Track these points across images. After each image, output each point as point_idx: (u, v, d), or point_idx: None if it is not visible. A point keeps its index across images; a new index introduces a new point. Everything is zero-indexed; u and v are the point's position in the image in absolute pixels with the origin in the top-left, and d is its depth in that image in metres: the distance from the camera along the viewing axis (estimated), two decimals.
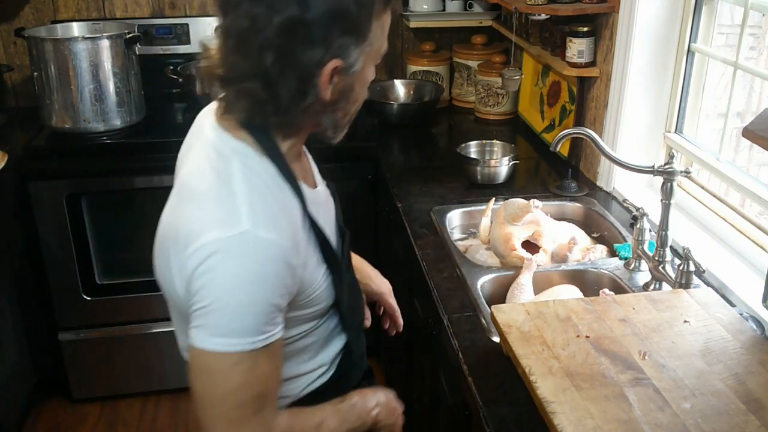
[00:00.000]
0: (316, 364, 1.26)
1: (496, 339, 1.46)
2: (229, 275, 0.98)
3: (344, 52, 1.02)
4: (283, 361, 1.13)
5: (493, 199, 2.05)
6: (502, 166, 2.24)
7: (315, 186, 1.22)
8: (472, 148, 2.37)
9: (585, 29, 2.18)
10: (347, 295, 1.25)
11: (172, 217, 1.11)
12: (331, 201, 1.27)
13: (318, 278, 1.14)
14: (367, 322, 1.46)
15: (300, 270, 1.06)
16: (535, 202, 1.86)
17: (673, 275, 1.58)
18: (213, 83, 1.10)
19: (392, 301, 1.58)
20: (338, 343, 1.30)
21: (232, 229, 0.99)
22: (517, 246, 1.83)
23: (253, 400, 1.04)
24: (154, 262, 1.18)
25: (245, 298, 0.99)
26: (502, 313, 1.43)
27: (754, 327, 1.40)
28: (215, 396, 1.03)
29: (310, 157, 1.28)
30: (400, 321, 1.59)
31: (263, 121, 1.07)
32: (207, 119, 1.17)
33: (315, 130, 1.14)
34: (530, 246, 1.86)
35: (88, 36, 2.49)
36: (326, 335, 1.27)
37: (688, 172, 1.63)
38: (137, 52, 2.63)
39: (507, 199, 1.96)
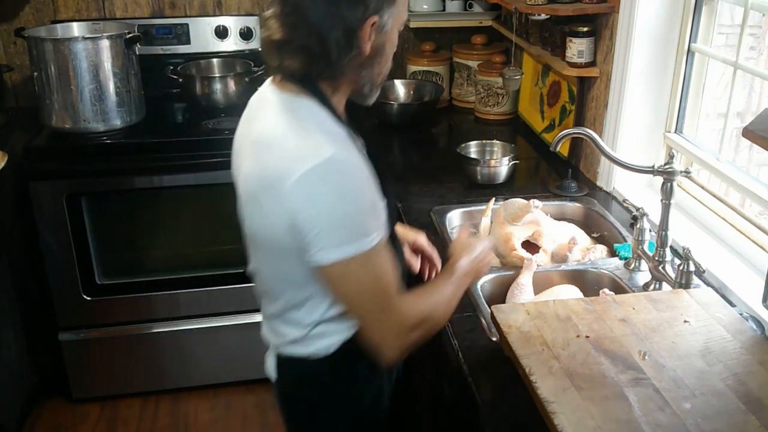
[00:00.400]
0: None
1: (496, 339, 1.46)
2: (331, 196, 1.16)
3: (380, 11, 1.21)
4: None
5: (493, 199, 2.05)
6: (502, 166, 2.24)
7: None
8: (472, 148, 2.37)
9: (585, 29, 2.18)
10: (388, 199, 1.38)
11: (255, 168, 1.24)
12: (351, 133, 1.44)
13: (381, 208, 1.29)
14: (416, 268, 1.65)
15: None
16: (535, 202, 1.86)
17: (673, 275, 1.58)
18: (272, 50, 1.24)
19: (429, 247, 1.68)
20: None
21: (320, 157, 1.15)
22: (517, 246, 1.83)
23: (386, 289, 1.24)
24: (243, 215, 1.35)
25: (350, 209, 1.17)
26: (502, 313, 1.43)
27: (754, 327, 1.40)
28: (359, 295, 1.23)
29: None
30: (439, 263, 1.67)
31: (316, 78, 1.25)
32: (266, 91, 1.34)
33: (355, 86, 1.30)
34: (530, 246, 1.86)
35: (88, 36, 2.48)
36: None
37: (688, 172, 1.63)
38: (137, 52, 2.63)
39: (507, 199, 1.96)
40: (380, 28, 1.23)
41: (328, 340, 1.36)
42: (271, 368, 1.47)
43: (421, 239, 1.68)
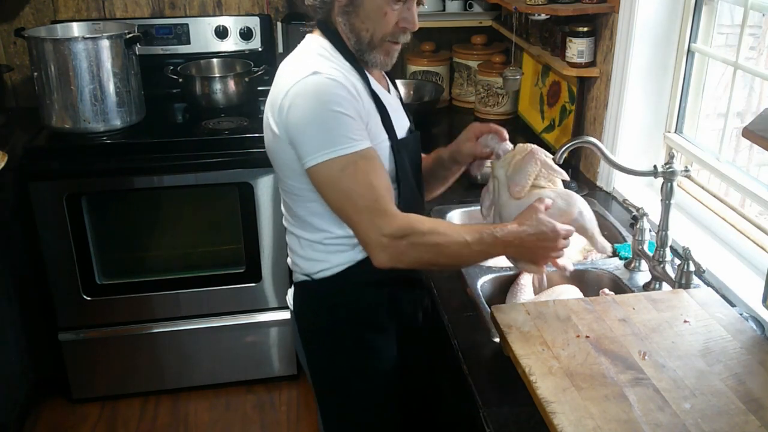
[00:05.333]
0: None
1: (496, 339, 1.46)
2: (309, 106, 1.30)
3: None
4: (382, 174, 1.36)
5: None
6: None
7: (387, 89, 1.53)
8: None
9: (585, 29, 2.18)
10: (407, 186, 1.48)
11: (268, 100, 1.42)
12: (401, 108, 1.57)
13: (380, 140, 1.41)
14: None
15: (365, 116, 1.36)
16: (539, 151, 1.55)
17: (673, 275, 1.58)
18: None
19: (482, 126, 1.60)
20: None
21: (302, 74, 1.33)
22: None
23: (371, 192, 1.30)
24: (266, 143, 1.45)
25: (326, 116, 1.30)
26: (502, 313, 1.43)
27: (754, 327, 1.40)
28: (342, 197, 1.32)
29: (390, 82, 1.59)
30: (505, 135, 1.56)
31: (322, 17, 1.44)
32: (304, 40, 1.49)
33: (346, 35, 1.41)
34: None
35: (88, 36, 2.48)
36: None
37: (687, 171, 1.63)
38: (137, 52, 2.63)
39: None
40: None
41: (331, 260, 1.47)
42: (290, 298, 1.60)
43: (473, 127, 1.60)
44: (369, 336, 1.52)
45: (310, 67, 1.34)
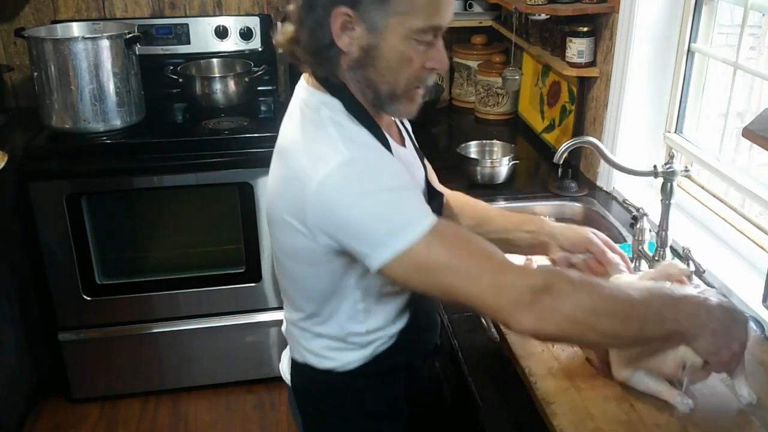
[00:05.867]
0: (388, 322, 1.27)
1: (496, 339, 1.46)
2: (352, 196, 1.04)
3: (356, 4, 1.07)
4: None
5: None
6: (502, 166, 2.24)
7: (403, 144, 1.29)
8: (472, 148, 2.37)
9: (585, 29, 2.18)
10: None
11: (279, 171, 1.17)
12: (419, 164, 1.33)
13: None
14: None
15: None
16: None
17: None
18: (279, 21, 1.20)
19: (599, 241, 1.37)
20: (405, 318, 1.29)
21: (336, 160, 1.05)
22: None
23: (483, 254, 1.05)
24: (268, 220, 1.23)
25: (378, 204, 1.04)
26: None
27: (754, 327, 1.40)
28: (445, 277, 1.04)
29: (401, 123, 1.35)
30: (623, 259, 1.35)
31: (324, 70, 1.15)
32: (300, 83, 1.24)
33: (357, 91, 1.16)
34: None
35: (88, 36, 2.48)
36: (402, 302, 1.27)
37: (687, 171, 1.63)
38: (137, 52, 2.63)
39: (508, 199, 1.95)
40: (366, 25, 1.08)
41: (341, 358, 1.28)
42: (285, 370, 1.42)
43: (586, 236, 1.38)
44: (382, 425, 1.35)
45: (339, 149, 1.07)
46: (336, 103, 1.15)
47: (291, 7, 1.14)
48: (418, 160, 1.35)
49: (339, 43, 1.10)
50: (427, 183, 1.33)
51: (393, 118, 1.28)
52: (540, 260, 1.75)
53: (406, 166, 1.19)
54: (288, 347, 1.41)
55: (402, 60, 1.11)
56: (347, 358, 1.28)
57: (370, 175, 1.06)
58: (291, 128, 1.17)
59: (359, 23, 1.08)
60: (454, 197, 1.51)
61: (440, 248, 1.03)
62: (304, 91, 1.20)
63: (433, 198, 1.32)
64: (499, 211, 1.51)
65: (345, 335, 1.26)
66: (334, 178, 1.04)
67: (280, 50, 1.20)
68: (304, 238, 1.12)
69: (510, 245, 1.43)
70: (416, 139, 1.44)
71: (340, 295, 1.21)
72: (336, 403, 1.34)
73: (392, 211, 1.04)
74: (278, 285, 1.33)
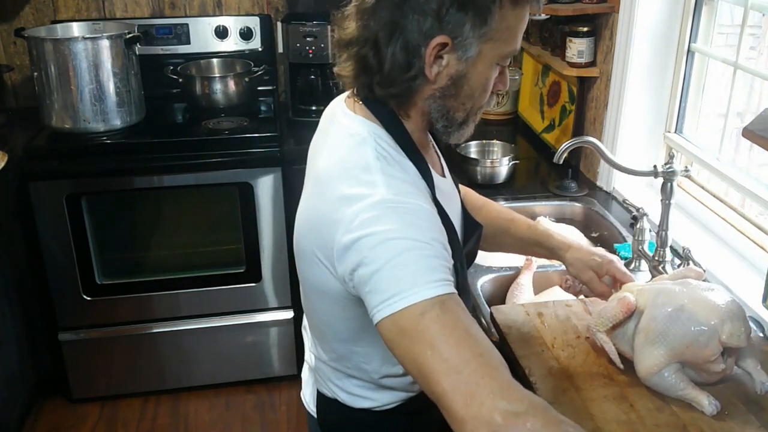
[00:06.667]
0: None
1: (496, 339, 1.46)
2: (376, 238, 0.96)
3: (457, 31, 1.01)
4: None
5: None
6: (502, 166, 2.24)
7: (443, 175, 1.23)
8: (472, 148, 2.37)
9: (585, 29, 2.18)
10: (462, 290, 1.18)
11: (313, 202, 1.09)
12: (456, 193, 1.28)
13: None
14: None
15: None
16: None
17: None
18: (336, 51, 1.11)
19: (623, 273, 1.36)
20: None
21: (371, 198, 0.98)
22: None
23: (475, 349, 0.92)
24: (296, 250, 1.16)
25: (396, 253, 0.95)
26: (502, 313, 1.43)
27: (754, 327, 1.40)
28: (423, 351, 0.92)
29: (437, 149, 1.28)
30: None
31: (381, 96, 1.07)
32: (339, 106, 1.17)
33: (425, 117, 1.11)
34: None
35: (88, 36, 2.48)
36: None
37: (687, 171, 1.63)
38: (137, 52, 2.63)
39: (508, 199, 1.96)
40: (458, 52, 1.03)
41: (377, 398, 1.22)
42: (309, 401, 1.33)
43: (613, 265, 1.36)
44: None
45: (377, 187, 0.99)
46: (385, 135, 1.08)
47: (352, 29, 1.07)
48: (455, 189, 1.30)
49: (428, 73, 1.04)
50: (464, 214, 1.27)
51: (432, 149, 1.23)
52: (540, 261, 1.76)
53: (446, 198, 1.15)
54: (310, 378, 1.34)
55: (484, 86, 1.09)
56: (385, 399, 1.22)
57: (393, 218, 0.97)
58: (331, 157, 1.09)
59: (453, 51, 1.03)
60: (471, 200, 1.50)
61: (434, 322, 0.92)
62: (347, 117, 1.12)
63: (471, 231, 1.26)
64: (513, 221, 1.47)
65: (380, 378, 1.19)
66: (362, 217, 0.97)
67: (339, 81, 1.13)
68: (332, 278, 1.05)
69: (521, 253, 1.48)
70: None
71: (371, 336, 1.08)
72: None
73: (405, 264, 0.95)
74: (309, 322, 1.26)
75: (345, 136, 1.09)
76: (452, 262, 1.01)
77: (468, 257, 1.26)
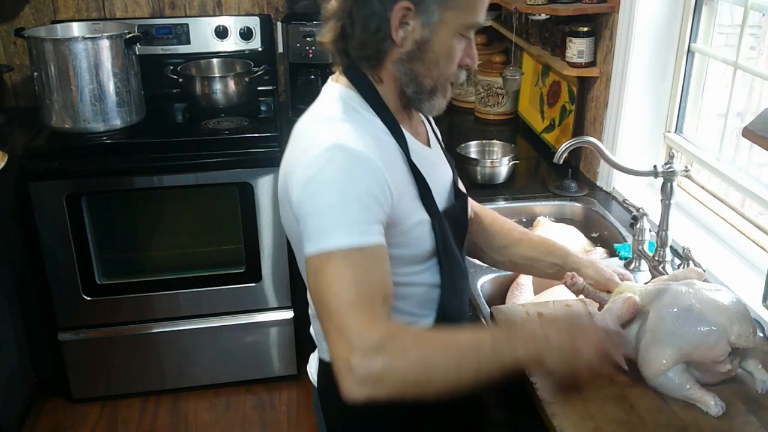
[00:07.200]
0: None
1: None
2: (317, 182, 1.06)
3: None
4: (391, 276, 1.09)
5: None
6: (502, 166, 2.24)
7: (428, 145, 1.31)
8: (472, 148, 2.37)
9: (585, 29, 2.18)
10: (453, 262, 1.25)
11: (286, 155, 1.19)
12: (445, 165, 1.36)
13: (413, 219, 1.17)
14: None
15: (394, 195, 1.11)
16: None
17: None
18: (323, 24, 1.21)
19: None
20: (431, 318, 1.26)
21: (323, 145, 1.08)
22: None
23: (352, 295, 1.01)
24: (280, 208, 1.24)
25: (334, 199, 1.05)
26: (502, 313, 1.43)
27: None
28: (318, 294, 1.04)
29: (429, 124, 1.38)
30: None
31: (358, 62, 1.18)
32: (327, 83, 1.27)
33: (396, 84, 1.19)
34: None
35: (88, 36, 2.48)
36: (425, 296, 1.25)
37: (687, 171, 1.63)
38: (137, 52, 2.63)
39: (508, 199, 1.95)
40: (421, 18, 1.13)
41: None
42: (312, 372, 1.38)
43: (608, 277, 1.40)
44: (407, 425, 1.29)
45: (334, 137, 1.09)
46: (357, 96, 1.18)
47: (333, 4, 1.18)
48: (444, 160, 1.36)
49: (395, 36, 1.14)
50: (453, 184, 1.35)
51: (422, 118, 1.32)
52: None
53: (426, 165, 1.22)
54: (317, 349, 1.37)
55: (448, 54, 1.17)
56: None
57: (338, 166, 1.07)
58: (305, 115, 1.21)
59: (416, 17, 1.13)
60: (484, 212, 1.53)
61: (333, 267, 1.03)
62: (328, 86, 1.24)
63: (457, 198, 1.34)
64: (526, 234, 1.50)
65: None
66: (321, 160, 1.07)
67: (324, 48, 1.23)
68: (295, 220, 1.14)
69: (533, 270, 1.47)
70: None
71: None
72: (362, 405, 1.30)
73: (339, 212, 1.05)
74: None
75: (321, 98, 1.22)
76: (386, 216, 1.09)
77: (457, 223, 1.31)
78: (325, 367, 1.32)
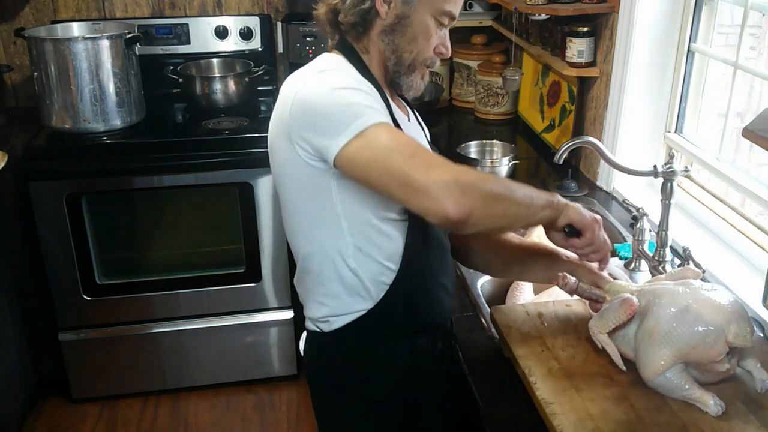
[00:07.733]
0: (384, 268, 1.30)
1: (496, 339, 1.46)
2: (315, 95, 1.20)
3: None
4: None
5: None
6: (502, 166, 2.24)
7: (408, 118, 1.41)
8: (472, 148, 2.37)
9: (585, 29, 2.18)
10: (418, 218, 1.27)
11: (276, 111, 1.29)
12: (420, 131, 1.46)
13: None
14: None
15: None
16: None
17: None
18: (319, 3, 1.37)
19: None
20: (394, 272, 1.30)
21: (307, 77, 1.25)
22: None
23: (409, 150, 1.15)
24: (271, 164, 1.33)
25: (338, 98, 1.18)
26: (502, 313, 1.43)
27: (755, 327, 1.40)
28: (393, 156, 1.14)
29: (406, 104, 1.45)
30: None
31: (338, 26, 1.32)
32: None
33: (380, 56, 1.32)
34: None
35: (88, 36, 2.48)
36: (394, 249, 1.29)
37: (687, 171, 1.63)
38: (137, 52, 2.63)
39: None
40: None
41: (344, 305, 1.31)
42: (302, 345, 1.48)
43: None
44: (381, 397, 1.37)
45: (316, 70, 1.25)
46: (346, 62, 1.31)
47: None
48: (423, 134, 1.46)
49: (379, 8, 1.27)
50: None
51: (410, 111, 1.42)
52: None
53: (408, 132, 1.31)
54: (305, 320, 1.43)
55: (425, 34, 1.31)
56: (344, 307, 1.31)
57: (341, 78, 1.23)
58: (293, 74, 1.30)
59: None
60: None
61: (386, 134, 1.16)
62: (321, 56, 1.34)
63: None
64: (517, 238, 1.52)
65: (338, 277, 1.30)
66: (311, 83, 1.22)
67: (319, 21, 1.38)
68: (288, 152, 1.24)
69: (525, 271, 1.50)
70: None
71: (327, 224, 1.27)
72: (341, 372, 1.37)
73: (352, 104, 1.17)
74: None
75: (313, 61, 1.33)
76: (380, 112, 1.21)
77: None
78: (309, 338, 1.42)
